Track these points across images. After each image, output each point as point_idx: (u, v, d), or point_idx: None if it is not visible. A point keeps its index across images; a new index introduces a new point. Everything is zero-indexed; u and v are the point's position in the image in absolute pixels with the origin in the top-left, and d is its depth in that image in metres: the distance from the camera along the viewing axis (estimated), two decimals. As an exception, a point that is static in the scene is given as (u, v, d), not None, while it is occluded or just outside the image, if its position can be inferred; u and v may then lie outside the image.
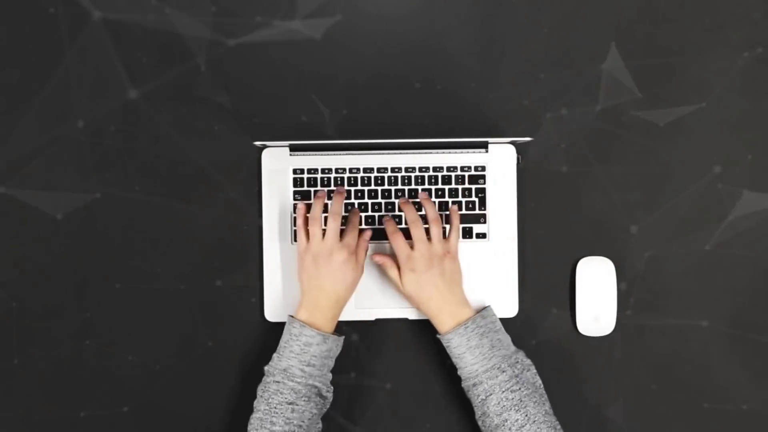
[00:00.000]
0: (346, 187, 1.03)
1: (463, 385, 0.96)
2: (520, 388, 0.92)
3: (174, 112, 1.05)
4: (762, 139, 1.06)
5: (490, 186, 1.04)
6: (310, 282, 0.97)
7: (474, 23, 1.06)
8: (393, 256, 1.00)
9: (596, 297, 1.04)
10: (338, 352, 0.97)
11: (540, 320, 1.05)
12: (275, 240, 1.03)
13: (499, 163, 1.04)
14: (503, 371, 0.92)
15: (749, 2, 1.06)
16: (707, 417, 1.05)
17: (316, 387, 0.94)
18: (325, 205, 1.01)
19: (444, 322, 0.96)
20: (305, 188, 1.03)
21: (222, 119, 1.05)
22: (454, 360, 0.97)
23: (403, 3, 1.06)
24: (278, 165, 1.03)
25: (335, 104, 1.06)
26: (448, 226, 1.01)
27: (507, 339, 0.97)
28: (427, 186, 1.03)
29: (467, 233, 1.03)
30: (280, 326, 1.03)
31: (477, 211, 1.04)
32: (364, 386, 1.05)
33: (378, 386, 1.05)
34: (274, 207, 1.04)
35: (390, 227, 0.99)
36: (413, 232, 0.97)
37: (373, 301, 1.03)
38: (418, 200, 1.02)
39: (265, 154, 1.04)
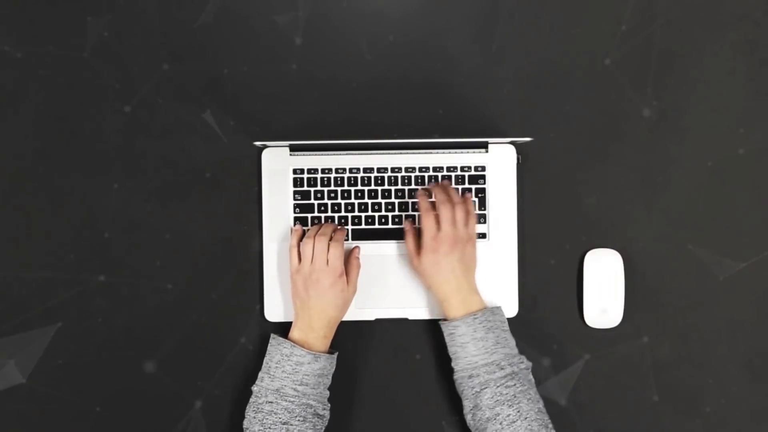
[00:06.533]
0: (346, 187, 1.03)
1: (455, 377, 0.96)
2: (515, 384, 0.92)
3: (174, 112, 1.05)
4: (760, 137, 1.06)
5: (490, 186, 1.04)
6: (302, 304, 0.97)
7: (474, 22, 1.06)
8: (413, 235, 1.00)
9: (603, 289, 1.03)
10: (332, 369, 0.97)
11: (539, 320, 1.05)
12: (275, 240, 1.03)
13: (499, 163, 1.04)
14: (502, 368, 0.92)
15: (749, 2, 1.06)
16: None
17: (310, 406, 0.93)
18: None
19: (454, 307, 0.96)
20: (305, 188, 1.03)
21: (222, 119, 1.05)
22: (452, 349, 0.96)
23: (403, 2, 1.06)
24: (278, 165, 1.03)
25: (335, 104, 1.06)
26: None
27: (512, 341, 0.97)
28: (427, 186, 1.03)
29: (467, 233, 1.03)
30: (280, 326, 1.03)
31: (477, 211, 1.03)
32: (363, 386, 1.05)
33: (377, 385, 1.05)
34: (274, 207, 1.04)
35: (423, 204, 0.99)
36: (443, 213, 0.97)
37: (373, 301, 1.03)
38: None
39: (265, 154, 1.04)
